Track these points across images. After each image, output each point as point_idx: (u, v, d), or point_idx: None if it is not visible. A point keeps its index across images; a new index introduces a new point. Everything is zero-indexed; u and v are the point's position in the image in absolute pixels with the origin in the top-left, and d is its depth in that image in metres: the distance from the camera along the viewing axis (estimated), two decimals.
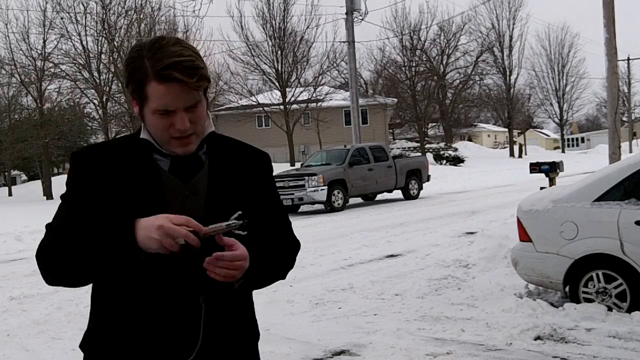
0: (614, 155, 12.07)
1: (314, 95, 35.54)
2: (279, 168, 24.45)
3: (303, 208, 18.74)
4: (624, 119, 53.96)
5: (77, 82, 30.79)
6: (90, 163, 1.58)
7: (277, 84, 35.43)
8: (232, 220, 1.48)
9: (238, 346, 1.67)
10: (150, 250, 1.45)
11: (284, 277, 1.78)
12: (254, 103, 36.48)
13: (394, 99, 43.37)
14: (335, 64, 38.63)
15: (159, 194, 1.56)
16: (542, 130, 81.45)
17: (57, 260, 1.50)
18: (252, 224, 1.61)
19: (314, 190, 17.40)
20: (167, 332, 1.54)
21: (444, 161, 37.65)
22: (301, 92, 34.84)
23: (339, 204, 17.87)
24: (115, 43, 29.52)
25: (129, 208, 1.51)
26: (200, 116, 1.57)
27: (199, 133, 1.59)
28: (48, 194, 28.44)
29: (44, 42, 29.35)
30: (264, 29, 35.38)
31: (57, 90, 31.99)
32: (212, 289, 1.58)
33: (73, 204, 1.56)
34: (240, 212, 1.51)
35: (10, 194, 33.10)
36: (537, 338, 5.11)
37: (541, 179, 10.40)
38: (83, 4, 29.41)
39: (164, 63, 1.49)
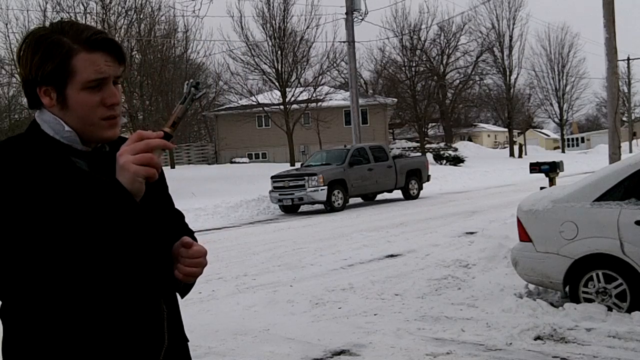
0: (614, 155, 12.09)
1: (314, 95, 35.51)
2: (279, 168, 24.46)
3: (303, 208, 18.75)
4: (624, 119, 53.96)
5: None
6: (9, 172, 1.38)
7: (277, 84, 35.40)
8: (182, 98, 1.45)
9: (185, 347, 1.69)
10: (137, 184, 1.37)
11: None
12: (254, 103, 36.44)
13: (394, 99, 43.36)
14: (335, 64, 38.60)
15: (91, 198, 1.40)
16: (542, 130, 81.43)
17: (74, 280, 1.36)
18: (173, 216, 1.68)
19: (314, 190, 17.41)
20: (134, 338, 1.48)
21: (444, 161, 37.63)
22: (301, 92, 34.80)
23: (339, 204, 17.88)
24: None
25: (68, 217, 1.35)
26: (120, 97, 1.48)
27: (120, 117, 1.51)
28: None
29: None
30: (264, 29, 35.36)
31: None
32: (168, 292, 1.59)
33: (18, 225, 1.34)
34: (189, 82, 1.47)
35: None
36: (537, 338, 5.11)
37: (541, 179, 10.41)
38: (83, 4, 29.42)
39: (89, 32, 1.42)
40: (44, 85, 1.43)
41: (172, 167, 33.18)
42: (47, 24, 1.52)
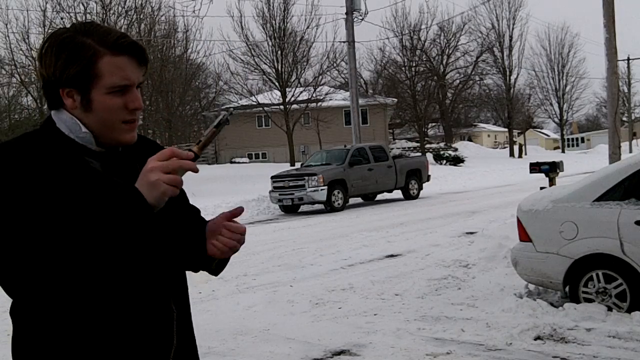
0: (614, 155, 12.08)
1: (314, 95, 35.51)
2: (279, 168, 24.46)
3: (303, 208, 18.75)
4: (624, 119, 53.96)
5: None
6: (18, 169, 1.37)
7: (277, 84, 35.41)
8: (216, 121, 1.47)
9: (194, 347, 1.69)
10: (162, 201, 1.39)
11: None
12: (254, 103, 36.44)
13: (394, 99, 43.35)
14: (335, 64, 38.61)
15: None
16: (542, 130, 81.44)
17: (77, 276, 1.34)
18: (188, 213, 1.68)
19: (314, 190, 17.40)
20: (144, 338, 1.48)
21: (444, 161, 37.64)
22: (301, 92, 34.80)
23: (339, 204, 17.88)
24: None
25: (80, 218, 1.34)
26: (142, 102, 1.51)
27: (138, 120, 1.52)
28: None
29: None
30: (264, 29, 35.38)
31: None
32: (178, 293, 1.59)
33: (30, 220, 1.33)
34: (228, 109, 1.47)
35: None
36: (537, 338, 5.11)
37: (541, 179, 10.40)
38: (83, 4, 29.44)
39: (114, 35, 1.42)
40: (67, 87, 1.43)
41: None
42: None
